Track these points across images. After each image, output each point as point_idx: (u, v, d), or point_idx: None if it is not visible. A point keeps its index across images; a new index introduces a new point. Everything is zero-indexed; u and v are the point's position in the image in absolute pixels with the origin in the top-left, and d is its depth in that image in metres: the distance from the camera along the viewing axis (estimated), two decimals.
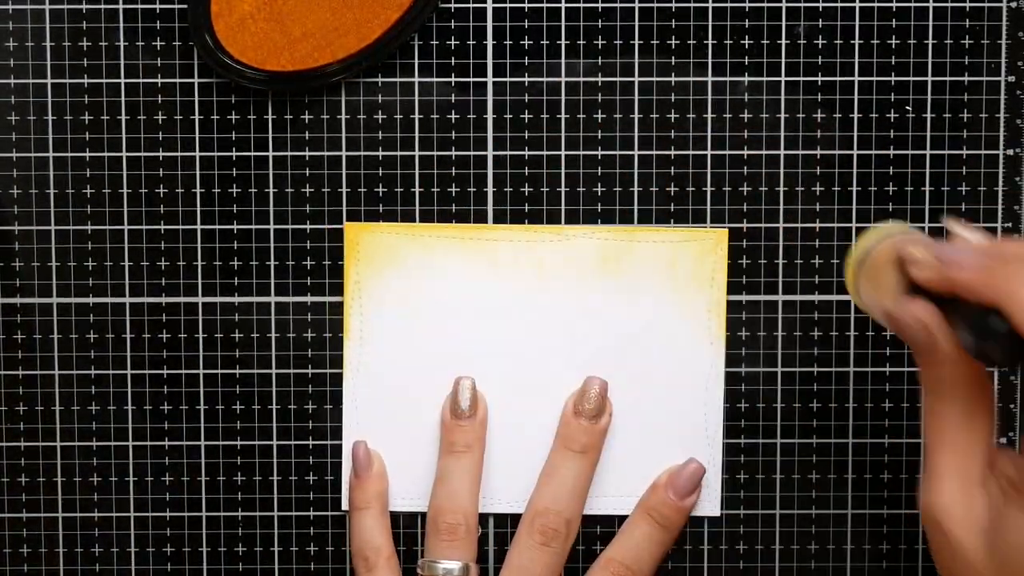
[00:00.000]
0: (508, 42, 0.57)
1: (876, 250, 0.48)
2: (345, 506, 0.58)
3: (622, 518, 0.58)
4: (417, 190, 0.57)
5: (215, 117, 0.57)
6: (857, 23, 0.57)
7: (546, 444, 0.57)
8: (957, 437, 0.45)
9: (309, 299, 0.58)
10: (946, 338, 0.44)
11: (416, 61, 0.57)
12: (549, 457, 0.57)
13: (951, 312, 0.44)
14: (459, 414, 0.57)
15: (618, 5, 0.57)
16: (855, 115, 0.57)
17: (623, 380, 0.57)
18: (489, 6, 0.57)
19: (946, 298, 0.44)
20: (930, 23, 0.57)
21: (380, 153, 0.57)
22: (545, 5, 0.57)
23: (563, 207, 0.57)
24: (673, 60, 0.57)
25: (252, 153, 0.57)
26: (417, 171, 0.57)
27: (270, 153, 0.57)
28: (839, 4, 0.57)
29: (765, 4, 0.57)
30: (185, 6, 0.56)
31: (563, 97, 0.57)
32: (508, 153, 0.57)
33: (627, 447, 0.57)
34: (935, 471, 0.45)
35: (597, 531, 0.58)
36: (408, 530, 0.58)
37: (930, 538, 0.45)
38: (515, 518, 0.57)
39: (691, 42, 0.57)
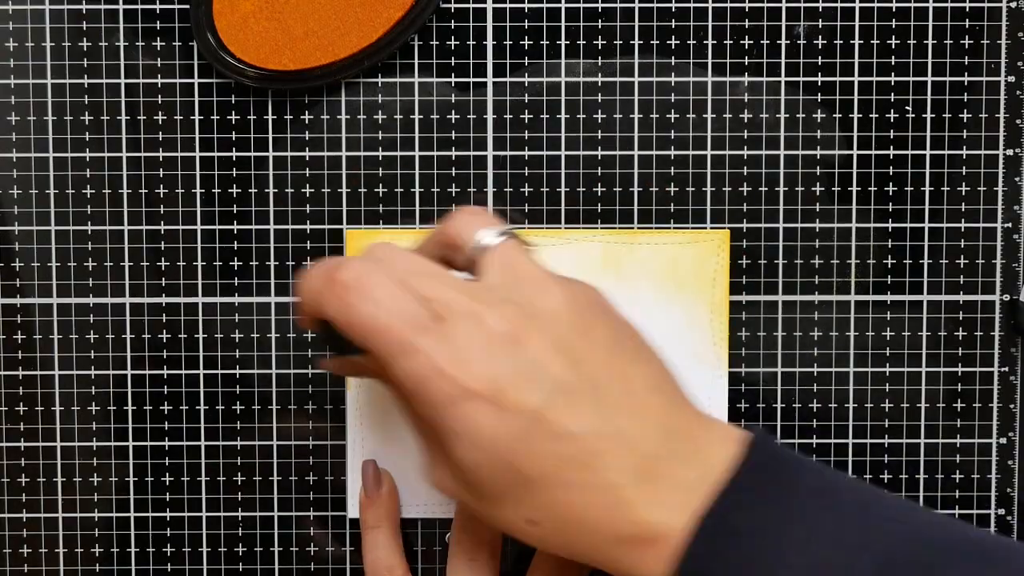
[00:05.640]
0: (508, 42, 0.57)
1: None
2: (351, 512, 0.58)
3: None
4: (417, 190, 0.57)
5: (215, 117, 0.57)
6: (857, 23, 0.57)
7: None
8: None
9: None
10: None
11: (416, 61, 0.57)
12: None
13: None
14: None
15: (618, 5, 0.57)
16: (855, 115, 0.57)
17: None
18: (489, 6, 0.57)
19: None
20: (930, 23, 0.57)
21: (380, 153, 0.57)
22: (545, 5, 0.57)
23: (563, 207, 0.57)
24: (673, 60, 0.57)
25: (252, 153, 0.57)
26: (417, 171, 0.57)
27: (270, 153, 0.57)
28: (839, 4, 0.57)
29: (765, 4, 0.57)
30: (185, 6, 0.56)
31: (563, 97, 0.57)
32: (508, 153, 0.57)
33: None
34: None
35: None
36: (409, 530, 0.58)
37: None
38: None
39: (691, 42, 0.57)
